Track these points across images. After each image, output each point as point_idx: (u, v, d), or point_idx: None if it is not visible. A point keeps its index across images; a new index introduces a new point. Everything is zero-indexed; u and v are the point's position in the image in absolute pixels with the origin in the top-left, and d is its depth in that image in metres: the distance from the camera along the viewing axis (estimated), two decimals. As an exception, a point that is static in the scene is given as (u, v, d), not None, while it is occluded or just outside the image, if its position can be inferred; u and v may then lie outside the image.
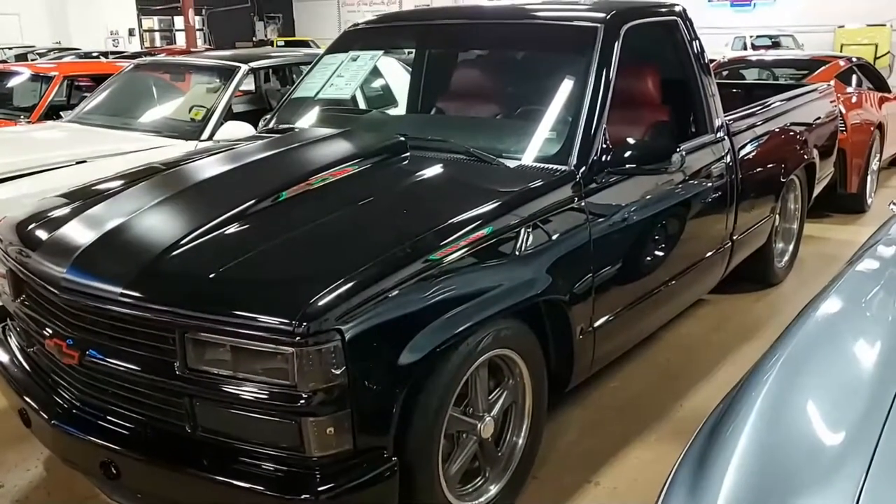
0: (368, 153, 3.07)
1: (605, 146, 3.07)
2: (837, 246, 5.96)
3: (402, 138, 3.17)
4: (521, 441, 2.83)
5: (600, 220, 3.01)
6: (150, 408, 2.35)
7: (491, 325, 2.51)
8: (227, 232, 2.52)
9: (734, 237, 4.16)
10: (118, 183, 3.11)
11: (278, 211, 2.67)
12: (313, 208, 2.68)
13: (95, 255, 2.50)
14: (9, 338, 3.03)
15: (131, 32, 21.21)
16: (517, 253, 2.64)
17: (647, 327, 3.63)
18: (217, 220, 2.54)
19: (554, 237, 2.80)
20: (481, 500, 2.69)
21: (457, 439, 2.59)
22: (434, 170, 3.02)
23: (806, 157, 5.08)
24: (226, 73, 5.43)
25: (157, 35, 30.05)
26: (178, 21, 27.75)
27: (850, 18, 21.26)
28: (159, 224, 2.68)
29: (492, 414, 2.69)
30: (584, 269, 2.92)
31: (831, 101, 5.73)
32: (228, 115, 5.31)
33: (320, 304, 2.10)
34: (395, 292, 2.24)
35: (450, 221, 2.52)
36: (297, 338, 2.06)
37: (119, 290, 2.30)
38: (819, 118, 5.38)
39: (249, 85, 7.11)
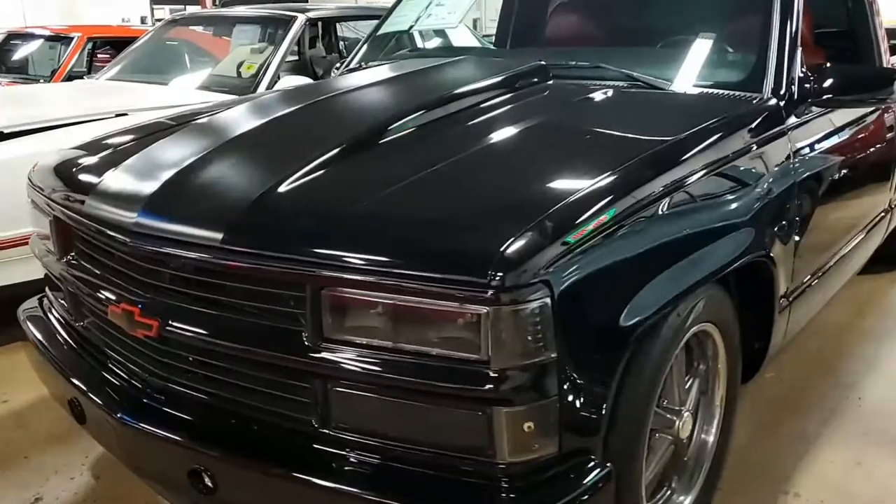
0: (505, 80, 2.41)
1: (803, 73, 2.44)
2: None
3: (543, 63, 2.53)
4: (711, 440, 2.19)
5: (802, 161, 2.37)
6: (261, 396, 1.71)
7: (701, 290, 1.88)
8: (352, 164, 1.87)
9: (893, 202, 3.54)
10: (170, 123, 2.47)
11: (410, 140, 2.03)
12: (458, 138, 2.02)
13: (176, 193, 1.86)
14: (49, 312, 2.41)
15: (143, 20, 20.53)
16: (729, 198, 2.01)
17: (829, 294, 2.98)
18: (332, 151, 1.89)
19: (763, 180, 2.16)
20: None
21: (649, 441, 1.95)
22: (597, 97, 2.36)
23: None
24: (281, 24, 4.80)
25: (168, 25, 29.32)
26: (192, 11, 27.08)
27: None
28: (253, 157, 2.03)
29: (688, 407, 2.06)
30: (789, 220, 2.28)
31: None
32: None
33: (521, 247, 1.46)
34: (604, 237, 1.60)
35: (647, 154, 1.87)
36: (493, 292, 1.41)
37: (219, 234, 1.67)
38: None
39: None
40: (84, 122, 3.80)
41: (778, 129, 2.29)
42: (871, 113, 3.07)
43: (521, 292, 1.43)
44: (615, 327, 1.61)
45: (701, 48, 2.57)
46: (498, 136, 1.98)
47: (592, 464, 1.59)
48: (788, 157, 2.31)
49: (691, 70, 2.51)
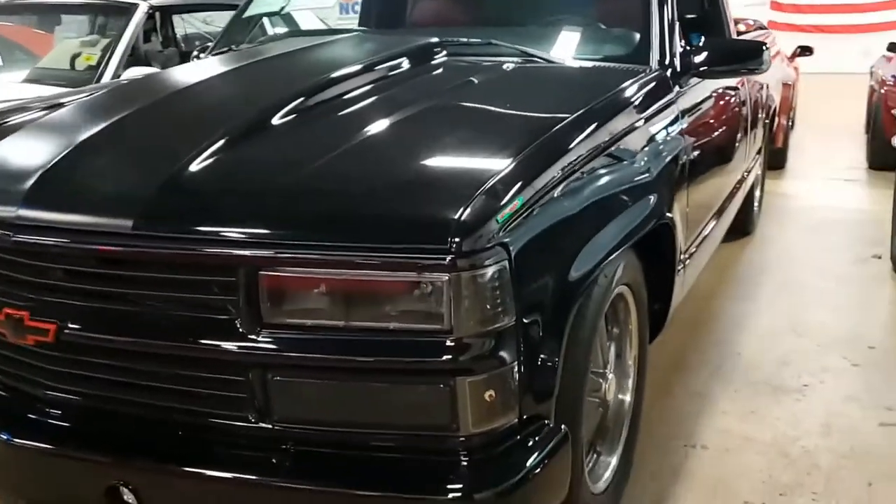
0: (401, 54, 2.33)
1: (682, 46, 2.55)
2: (772, 198, 5.81)
3: (435, 39, 2.47)
4: (628, 400, 2.24)
5: (687, 129, 2.48)
6: (185, 396, 1.54)
7: (621, 252, 1.90)
8: (264, 141, 1.73)
9: (751, 167, 3.83)
10: (48, 103, 2.21)
11: (317, 117, 1.90)
12: (369, 112, 1.92)
13: (63, 180, 1.65)
14: None
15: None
16: (638, 163, 2.06)
17: (707, 256, 3.13)
18: (237, 128, 1.74)
19: (662, 146, 2.24)
20: (606, 476, 2.07)
21: (581, 404, 1.96)
22: (501, 70, 2.33)
23: (772, 103, 4.89)
24: (119, 13, 4.48)
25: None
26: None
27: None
28: (146, 140, 1.84)
29: (611, 370, 2.09)
30: (682, 185, 2.38)
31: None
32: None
33: (477, 211, 1.40)
34: (544, 202, 1.58)
35: (567, 120, 1.86)
36: (454, 258, 1.35)
37: (129, 220, 1.49)
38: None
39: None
40: None
41: (668, 97, 2.37)
42: (729, 87, 3.29)
43: (480, 257, 1.38)
44: (560, 290, 1.59)
45: (585, 25, 2.64)
46: (410, 109, 1.89)
47: (548, 428, 1.57)
48: (677, 124, 2.41)
49: (580, 46, 2.56)
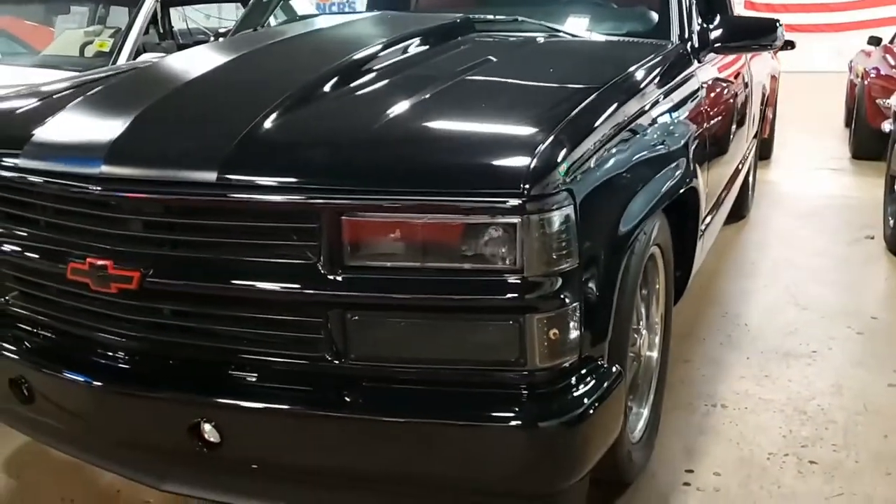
0: (434, 29, 2.42)
1: (699, 23, 2.67)
2: (762, 185, 5.98)
3: (465, 16, 2.58)
4: (655, 356, 2.35)
5: (707, 101, 2.61)
6: (261, 338, 1.63)
7: (657, 212, 2.01)
8: (336, 97, 1.82)
9: (750, 150, 3.97)
10: (75, 83, 2.27)
11: (380, 77, 1.97)
12: (427, 74, 2.01)
13: (143, 135, 1.73)
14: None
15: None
16: (671, 129, 2.18)
17: (718, 228, 3.26)
18: (307, 85, 1.83)
19: (690, 115, 2.36)
20: (640, 426, 2.19)
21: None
22: (536, 43, 2.44)
23: (765, 91, 5.06)
24: (124, 2, 4.55)
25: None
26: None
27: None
28: (220, 97, 1.93)
29: (644, 326, 2.21)
30: (704, 153, 2.51)
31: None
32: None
33: (547, 158, 1.50)
34: (602, 153, 1.69)
35: (612, 82, 1.96)
36: (526, 202, 1.45)
37: (213, 172, 1.57)
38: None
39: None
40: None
41: (690, 70, 2.50)
42: (736, 69, 3.43)
43: (549, 201, 1.48)
44: (613, 239, 1.70)
45: (606, 2, 2.75)
46: (461, 74, 1.99)
47: (605, 368, 1.68)
48: (699, 96, 2.53)
49: (602, 22, 2.68)
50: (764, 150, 7.15)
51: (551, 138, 1.55)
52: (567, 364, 1.58)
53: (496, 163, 1.52)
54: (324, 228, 1.53)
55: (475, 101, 1.85)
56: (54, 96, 2.14)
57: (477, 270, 1.50)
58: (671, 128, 2.18)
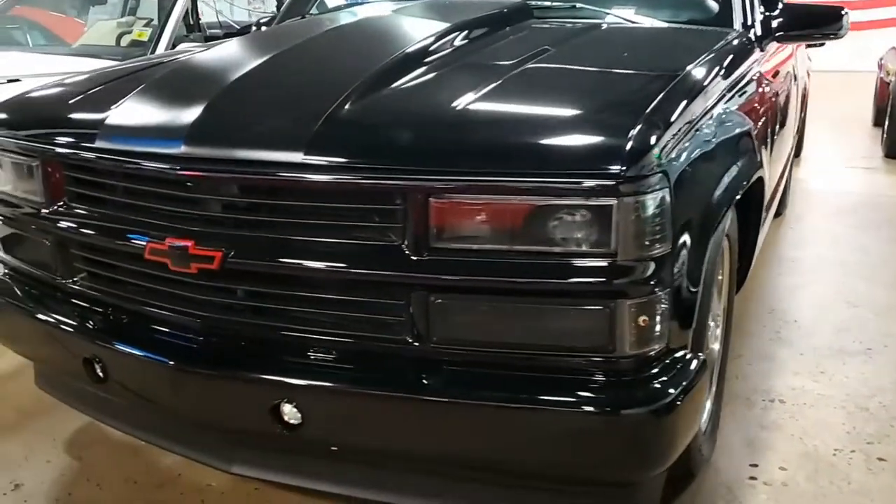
0: (491, 18, 2.38)
1: (761, 12, 2.64)
2: (795, 183, 5.93)
3: (523, 2, 2.55)
4: (717, 348, 2.32)
5: (770, 91, 2.58)
6: (342, 320, 1.61)
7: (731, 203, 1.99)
8: (415, 79, 1.80)
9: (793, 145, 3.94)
10: (141, 67, 2.27)
11: (454, 59, 1.96)
12: (501, 57, 1.98)
13: (223, 115, 1.72)
14: (11, 284, 2.14)
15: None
16: (745, 118, 2.15)
17: (770, 219, 3.23)
18: (389, 67, 1.82)
19: (757, 103, 2.33)
20: (703, 418, 2.15)
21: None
22: (600, 30, 2.41)
23: (806, 85, 5.03)
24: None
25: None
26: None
27: None
28: (295, 78, 1.92)
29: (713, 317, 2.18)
30: (766, 144, 2.48)
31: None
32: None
33: (643, 138, 1.47)
34: (691, 136, 1.67)
35: (688, 70, 1.92)
36: (622, 183, 1.43)
37: (299, 151, 1.56)
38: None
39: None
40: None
41: (754, 58, 2.46)
42: (787, 60, 3.39)
43: (646, 182, 1.45)
44: (701, 225, 1.67)
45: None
46: (533, 57, 1.97)
47: (690, 357, 1.65)
48: (763, 86, 2.50)
49: (665, 9, 2.64)
50: (795, 148, 7.12)
51: (645, 120, 1.52)
52: (654, 352, 1.56)
53: (590, 143, 1.49)
54: (410, 210, 1.51)
55: (556, 83, 1.83)
56: (114, 81, 2.14)
57: (567, 254, 1.48)
58: (742, 117, 2.14)
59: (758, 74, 2.49)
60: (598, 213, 1.45)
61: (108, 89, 2.09)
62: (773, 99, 2.81)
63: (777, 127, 3.00)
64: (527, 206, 1.47)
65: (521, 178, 1.46)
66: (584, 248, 1.47)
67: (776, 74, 2.96)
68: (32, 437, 2.39)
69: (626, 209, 1.44)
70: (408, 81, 1.80)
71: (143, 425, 1.96)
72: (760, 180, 2.29)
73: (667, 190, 1.49)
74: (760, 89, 2.48)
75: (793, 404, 2.56)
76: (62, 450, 2.33)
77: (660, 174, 1.48)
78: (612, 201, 1.44)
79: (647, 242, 1.48)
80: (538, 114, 1.63)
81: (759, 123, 2.37)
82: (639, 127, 1.50)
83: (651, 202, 1.46)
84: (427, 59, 1.92)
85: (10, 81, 3.56)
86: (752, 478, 2.16)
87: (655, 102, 1.61)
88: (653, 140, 1.49)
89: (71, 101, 2.05)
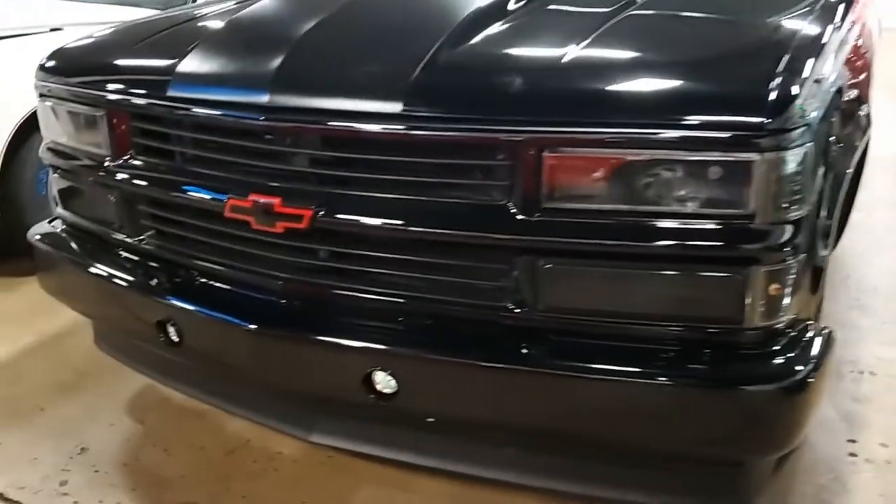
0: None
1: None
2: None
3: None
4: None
5: (866, 46, 2.40)
6: (437, 285, 1.50)
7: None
8: (519, 23, 1.65)
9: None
10: (197, 14, 2.13)
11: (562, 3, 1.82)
12: (595, 8, 1.81)
13: (315, 60, 1.59)
14: (71, 239, 2.05)
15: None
16: (858, 76, 1.98)
17: None
18: (486, 9, 1.67)
19: (862, 62, 2.16)
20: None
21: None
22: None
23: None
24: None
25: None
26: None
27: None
28: (397, 18, 1.77)
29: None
30: (869, 99, 2.31)
31: None
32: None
33: (786, 86, 1.32)
34: (823, 87, 1.50)
35: (808, 21, 1.75)
36: (765, 136, 1.29)
37: (397, 103, 1.43)
38: None
39: None
40: (17, 37, 3.29)
41: (856, 11, 2.28)
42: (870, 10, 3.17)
43: (789, 136, 1.31)
44: (833, 183, 1.53)
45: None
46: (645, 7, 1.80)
47: (818, 328, 1.51)
48: (863, 40, 2.32)
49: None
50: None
51: (786, 67, 1.37)
52: (782, 323, 1.43)
53: (727, 92, 1.35)
54: (519, 166, 1.38)
55: (668, 29, 1.67)
56: (172, 29, 2.01)
57: (697, 215, 1.34)
58: (858, 73, 1.98)
59: (859, 29, 2.31)
60: (734, 170, 1.31)
61: (170, 36, 1.96)
62: (869, 54, 2.62)
63: (870, 83, 2.82)
64: (653, 161, 1.33)
65: (649, 129, 1.32)
66: (716, 209, 1.33)
67: (868, 29, 2.77)
68: (92, 399, 2.32)
69: (768, 166, 1.30)
70: (505, 26, 1.65)
71: (214, 390, 1.88)
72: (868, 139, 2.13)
73: (810, 145, 1.34)
74: (863, 44, 2.31)
75: (885, 376, 2.42)
76: (124, 412, 2.25)
77: (803, 127, 1.33)
78: (753, 156, 1.29)
79: (785, 204, 1.34)
80: (662, 60, 1.47)
81: (864, 78, 2.20)
82: (781, 74, 1.35)
83: (793, 159, 1.32)
84: (511, 9, 1.76)
85: (52, 30, 3.44)
86: (853, 454, 2.04)
87: (792, 49, 1.45)
88: (795, 89, 1.34)
89: (133, 49, 1.93)
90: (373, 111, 1.45)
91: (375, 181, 1.49)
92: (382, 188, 1.48)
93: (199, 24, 2.02)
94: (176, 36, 1.94)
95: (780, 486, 1.86)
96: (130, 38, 2.01)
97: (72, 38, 2.96)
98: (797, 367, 1.41)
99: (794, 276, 1.40)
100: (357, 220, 1.50)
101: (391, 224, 1.48)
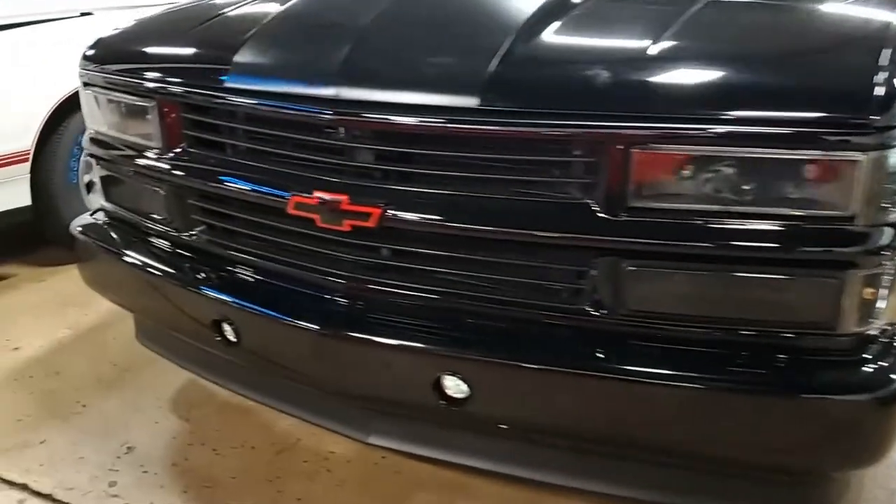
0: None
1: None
2: None
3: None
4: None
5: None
6: (512, 287, 1.44)
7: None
8: (583, 18, 1.56)
9: None
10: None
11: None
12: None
13: (383, 52, 1.52)
14: (116, 232, 1.99)
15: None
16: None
17: None
18: (540, 8, 1.56)
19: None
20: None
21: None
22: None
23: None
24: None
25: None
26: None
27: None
28: (464, 9, 1.68)
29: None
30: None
31: None
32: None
33: (892, 80, 1.25)
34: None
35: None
36: (870, 134, 1.22)
37: (474, 98, 1.36)
38: None
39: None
40: (47, 22, 3.23)
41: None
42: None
43: (894, 134, 1.24)
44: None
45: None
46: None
47: (902, 337, 1.45)
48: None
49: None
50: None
51: (890, 62, 1.30)
52: (875, 330, 1.37)
53: (830, 88, 1.28)
54: (604, 163, 1.32)
55: (753, 21, 1.58)
56: (221, 16, 1.93)
57: (793, 217, 1.27)
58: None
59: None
60: (836, 170, 1.24)
61: (222, 23, 1.89)
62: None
63: None
64: (748, 159, 1.27)
65: (744, 126, 1.25)
66: (813, 210, 1.27)
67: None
68: (134, 395, 2.28)
69: (872, 166, 1.23)
70: (576, 16, 1.58)
71: (264, 388, 1.83)
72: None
73: (911, 145, 1.28)
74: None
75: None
76: (168, 409, 2.20)
77: (904, 128, 1.26)
78: (857, 156, 1.22)
79: (886, 205, 1.27)
80: (754, 53, 1.40)
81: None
82: (884, 69, 1.27)
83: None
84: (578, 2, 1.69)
85: (82, 15, 3.37)
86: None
87: (891, 41, 1.37)
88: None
89: (184, 37, 1.86)
90: (447, 105, 1.38)
91: (447, 178, 1.43)
92: (454, 185, 1.42)
93: (251, 10, 1.95)
94: (228, 24, 1.87)
95: (852, 492, 1.81)
96: (180, 26, 1.95)
97: (102, 22, 2.92)
98: (892, 376, 1.35)
99: (889, 280, 1.34)
100: (426, 219, 1.44)
101: (464, 223, 1.42)
